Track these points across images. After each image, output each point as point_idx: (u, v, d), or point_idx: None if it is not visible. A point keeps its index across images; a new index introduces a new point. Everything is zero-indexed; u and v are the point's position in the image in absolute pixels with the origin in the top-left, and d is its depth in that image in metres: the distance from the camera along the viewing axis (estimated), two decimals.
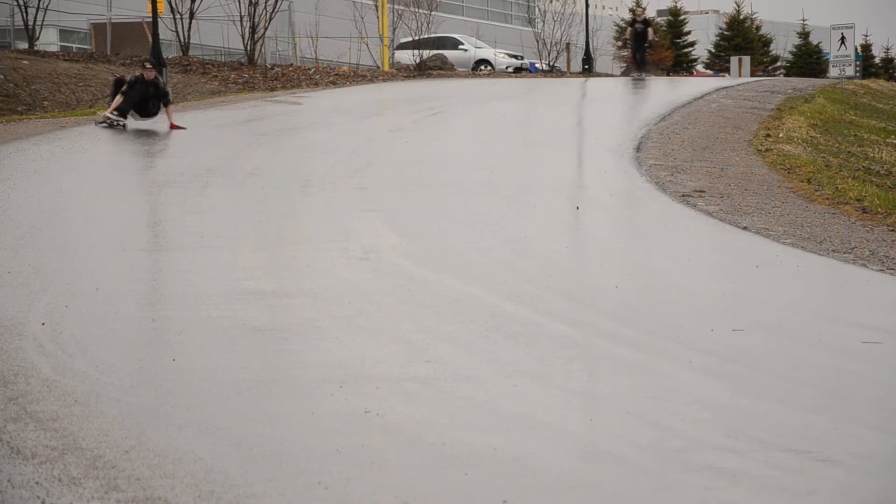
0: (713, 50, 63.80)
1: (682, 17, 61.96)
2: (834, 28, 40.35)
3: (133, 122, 23.04)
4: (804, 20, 65.32)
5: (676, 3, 62.40)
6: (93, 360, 8.13)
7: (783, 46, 67.16)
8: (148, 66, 23.73)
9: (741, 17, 63.94)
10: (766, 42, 64.39)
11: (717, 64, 61.29)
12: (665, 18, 62.56)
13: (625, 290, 10.95)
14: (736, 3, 63.88)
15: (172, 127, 22.75)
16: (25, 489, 5.74)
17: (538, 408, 7.17)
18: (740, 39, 61.76)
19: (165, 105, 23.16)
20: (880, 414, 7.27)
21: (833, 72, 40.99)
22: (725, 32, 64.07)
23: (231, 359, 8.27)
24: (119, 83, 23.45)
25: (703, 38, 65.03)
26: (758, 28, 64.57)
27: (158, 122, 23.06)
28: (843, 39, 39.99)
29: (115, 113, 22.76)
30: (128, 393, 7.41)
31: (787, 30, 72.01)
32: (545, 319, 9.63)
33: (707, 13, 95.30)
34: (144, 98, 22.97)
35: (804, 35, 65.20)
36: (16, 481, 5.83)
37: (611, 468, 6.12)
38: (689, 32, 61.75)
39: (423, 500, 5.65)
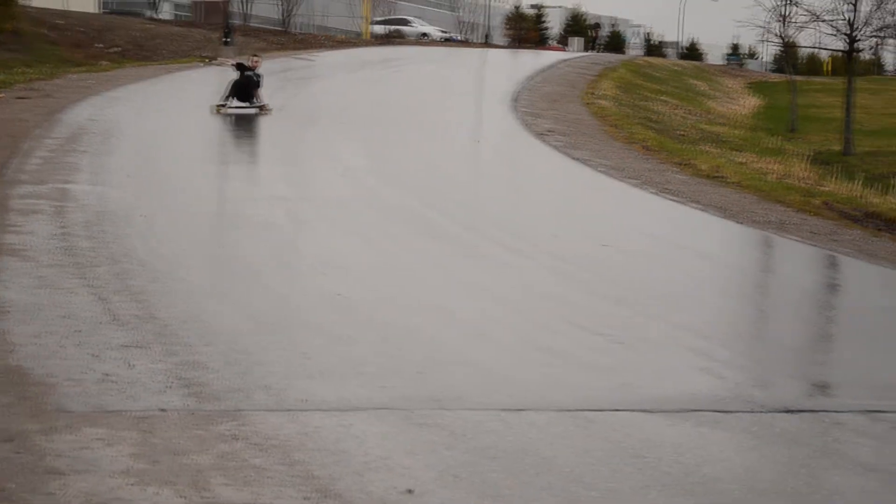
0: (561, 32, 62.13)
1: (543, 10, 60.29)
2: (631, 26, 39.37)
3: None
4: (615, 17, 63.67)
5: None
6: (172, 246, 7.46)
7: (603, 32, 65.61)
8: (255, 57, 16.98)
9: (579, 13, 62.27)
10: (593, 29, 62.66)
11: (563, 43, 59.76)
12: (535, 11, 60.78)
13: (501, 203, 10.41)
14: (575, 4, 62.40)
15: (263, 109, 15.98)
16: (116, 351, 5.14)
17: (444, 297, 6.62)
18: (577, 26, 60.08)
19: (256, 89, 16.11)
20: (663, 306, 6.76)
21: (630, 51, 40.11)
22: (569, 21, 62.33)
23: (258, 248, 7.59)
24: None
25: (556, 23, 63.16)
26: (586, 20, 62.81)
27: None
28: (637, 31, 39.06)
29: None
30: (191, 273, 6.72)
31: (605, 21, 70.35)
32: (450, 223, 9.08)
33: (559, 8, 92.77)
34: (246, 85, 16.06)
35: (614, 26, 63.67)
36: (113, 344, 5.21)
37: (488, 347, 5.54)
38: (547, 19, 60.17)
39: (373, 366, 5.06)
